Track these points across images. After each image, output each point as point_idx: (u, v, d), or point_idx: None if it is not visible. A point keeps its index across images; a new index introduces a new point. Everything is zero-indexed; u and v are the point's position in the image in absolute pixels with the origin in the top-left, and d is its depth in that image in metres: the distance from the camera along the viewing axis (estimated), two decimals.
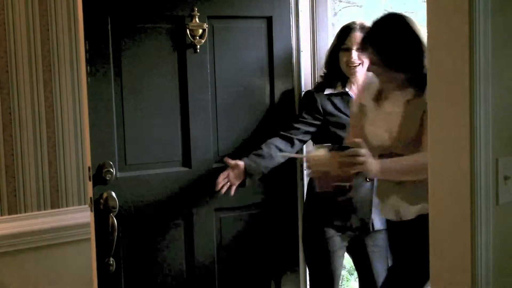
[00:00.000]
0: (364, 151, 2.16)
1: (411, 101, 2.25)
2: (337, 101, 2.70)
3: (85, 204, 2.92)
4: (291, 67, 2.86)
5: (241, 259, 2.81)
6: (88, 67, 2.46)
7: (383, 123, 2.31)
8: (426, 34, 1.83)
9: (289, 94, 2.85)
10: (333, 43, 2.71)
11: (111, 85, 2.51)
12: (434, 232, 1.69)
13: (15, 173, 2.80)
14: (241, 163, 2.60)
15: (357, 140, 2.20)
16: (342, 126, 2.65)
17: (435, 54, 1.64)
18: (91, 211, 2.51)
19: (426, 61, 1.68)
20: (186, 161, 2.66)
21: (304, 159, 2.63)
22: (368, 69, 2.32)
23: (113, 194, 2.52)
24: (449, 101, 1.60)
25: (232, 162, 2.60)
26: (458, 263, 1.61)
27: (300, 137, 2.69)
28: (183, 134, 2.65)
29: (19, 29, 2.78)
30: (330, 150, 2.23)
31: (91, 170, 2.49)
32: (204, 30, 2.63)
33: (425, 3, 1.64)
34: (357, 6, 4.83)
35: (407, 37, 2.21)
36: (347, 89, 2.69)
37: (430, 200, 1.69)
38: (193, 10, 2.61)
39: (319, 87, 2.76)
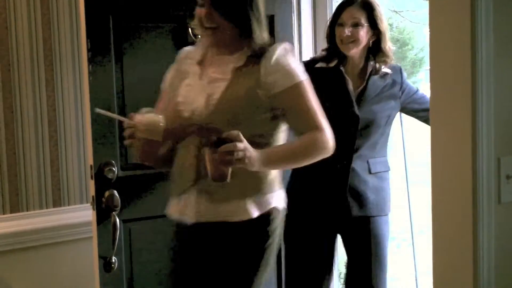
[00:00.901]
0: (242, 144, 1.82)
1: (241, 68, 1.98)
2: (327, 76, 2.57)
3: (87, 202, 2.92)
4: None
5: None
6: (90, 66, 2.46)
7: (202, 90, 2.00)
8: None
9: None
10: (330, 18, 2.66)
11: (113, 83, 2.51)
12: (436, 231, 1.69)
13: (17, 171, 2.80)
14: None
15: (234, 132, 1.83)
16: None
17: (437, 53, 1.64)
18: (93, 209, 2.51)
19: (431, 61, 1.67)
20: None
21: (126, 123, 1.97)
22: (204, 16, 2.04)
23: (115, 192, 2.52)
24: (451, 100, 1.60)
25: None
26: (459, 262, 1.61)
27: None
28: None
29: (21, 28, 2.78)
30: (202, 145, 1.90)
31: (93, 168, 2.49)
32: None
33: (427, 2, 1.64)
34: None
35: None
36: (341, 67, 2.57)
37: (432, 200, 1.69)
38: (194, 9, 2.60)
39: (312, 61, 2.68)
